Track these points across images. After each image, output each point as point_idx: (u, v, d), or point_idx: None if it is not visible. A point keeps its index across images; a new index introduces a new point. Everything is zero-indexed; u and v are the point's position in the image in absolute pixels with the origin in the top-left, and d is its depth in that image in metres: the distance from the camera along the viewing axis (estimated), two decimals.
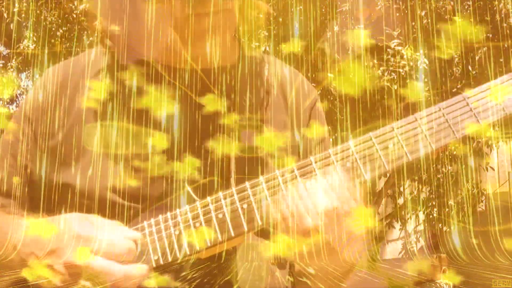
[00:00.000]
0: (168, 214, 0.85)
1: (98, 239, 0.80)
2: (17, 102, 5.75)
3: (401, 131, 0.83)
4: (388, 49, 4.46)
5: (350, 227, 0.79)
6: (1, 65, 5.34)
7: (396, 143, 0.83)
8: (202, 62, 0.97)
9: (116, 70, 0.98)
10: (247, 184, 0.84)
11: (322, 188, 0.81)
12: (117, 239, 0.81)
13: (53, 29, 4.93)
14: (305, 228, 0.79)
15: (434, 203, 4.79)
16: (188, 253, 0.81)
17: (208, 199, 0.84)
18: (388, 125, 0.84)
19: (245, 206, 0.83)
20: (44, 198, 0.94)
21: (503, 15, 4.61)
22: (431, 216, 4.77)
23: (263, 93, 1.01)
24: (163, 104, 0.95)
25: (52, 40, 4.91)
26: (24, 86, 5.51)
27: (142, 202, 0.90)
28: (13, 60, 5.16)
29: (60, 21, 4.90)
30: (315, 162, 0.83)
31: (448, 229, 4.80)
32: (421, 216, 4.94)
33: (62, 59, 1.06)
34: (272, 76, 1.05)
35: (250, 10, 0.97)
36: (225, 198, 0.84)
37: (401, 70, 4.41)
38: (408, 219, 5.22)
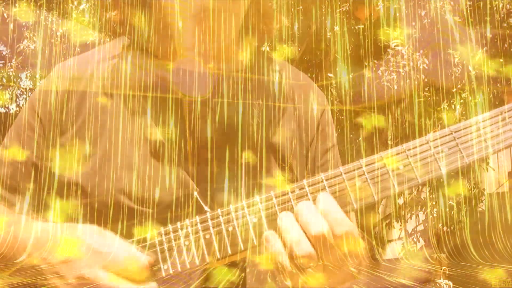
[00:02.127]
0: (178, 224, 0.85)
1: (112, 256, 0.80)
2: (17, 102, 5.73)
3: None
4: (388, 49, 4.45)
5: (346, 250, 0.76)
6: (1, 65, 5.33)
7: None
8: (212, 65, 0.97)
9: (129, 71, 0.99)
10: (243, 202, 0.84)
11: (315, 212, 0.77)
12: (130, 259, 0.81)
13: (53, 29, 4.91)
14: (303, 253, 0.76)
15: (434, 203, 4.79)
16: (197, 264, 0.81)
17: (219, 211, 0.85)
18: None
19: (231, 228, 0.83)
20: (52, 197, 0.94)
21: (503, 15, 4.61)
22: (431, 216, 4.78)
23: (273, 99, 1.01)
24: (171, 109, 0.95)
25: (52, 40, 4.89)
26: (24, 86, 5.49)
27: (152, 207, 0.90)
28: (13, 60, 5.14)
29: (60, 21, 4.88)
30: (308, 186, 0.82)
31: (448, 229, 4.80)
32: (421, 216, 4.94)
33: (63, 59, 1.05)
34: (283, 82, 1.04)
35: (265, 19, 0.97)
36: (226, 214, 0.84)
37: (401, 70, 4.40)
38: (408, 219, 5.22)
